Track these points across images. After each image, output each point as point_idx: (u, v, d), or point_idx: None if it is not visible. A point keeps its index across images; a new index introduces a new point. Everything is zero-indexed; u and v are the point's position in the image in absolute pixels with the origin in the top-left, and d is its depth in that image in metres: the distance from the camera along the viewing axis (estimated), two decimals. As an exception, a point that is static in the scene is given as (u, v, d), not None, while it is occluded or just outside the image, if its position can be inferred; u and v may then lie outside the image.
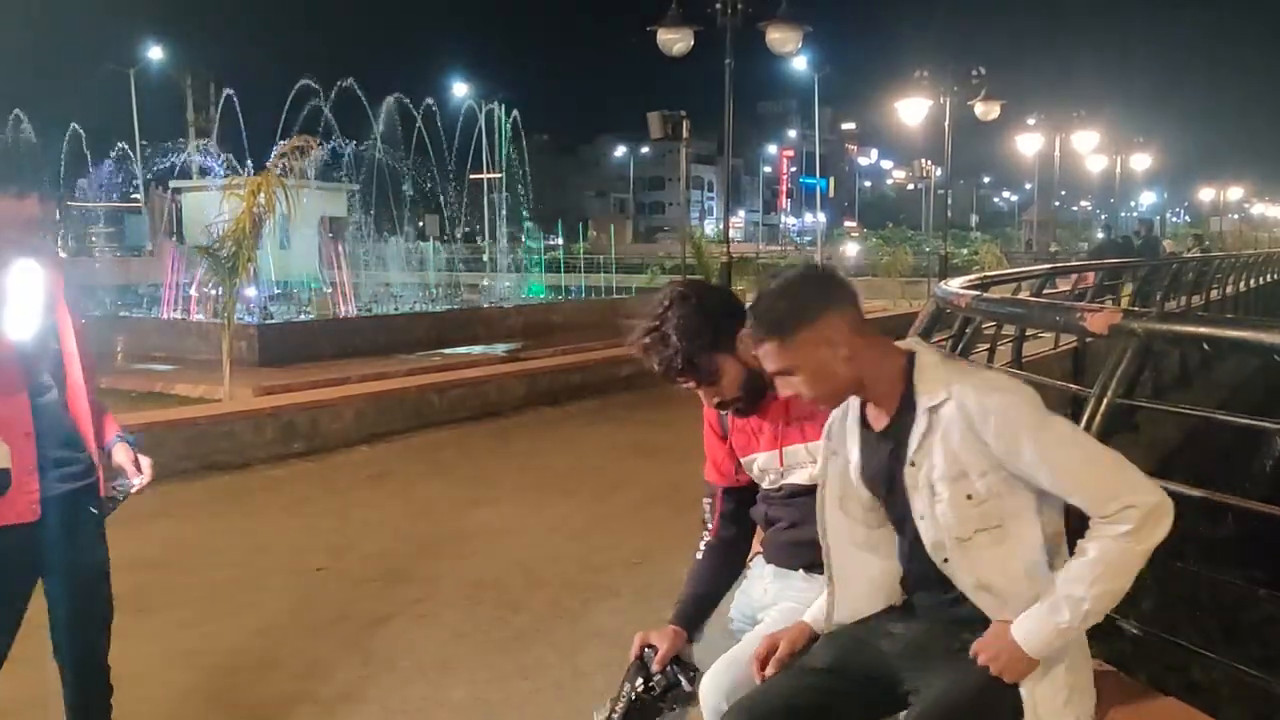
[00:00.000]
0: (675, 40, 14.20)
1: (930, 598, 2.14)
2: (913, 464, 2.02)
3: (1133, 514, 1.88)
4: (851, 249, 45.15)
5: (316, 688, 3.97)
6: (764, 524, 2.63)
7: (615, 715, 2.40)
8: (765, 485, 2.57)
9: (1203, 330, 2.75)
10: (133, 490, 2.79)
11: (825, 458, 2.24)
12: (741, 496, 2.65)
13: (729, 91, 14.04)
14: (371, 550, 5.73)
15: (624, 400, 10.49)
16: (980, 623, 2.04)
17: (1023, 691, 1.99)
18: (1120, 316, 2.81)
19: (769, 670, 2.22)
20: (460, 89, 56.60)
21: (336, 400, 8.96)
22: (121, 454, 2.82)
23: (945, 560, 2.02)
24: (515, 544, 5.85)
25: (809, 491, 2.47)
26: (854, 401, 2.16)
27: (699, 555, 2.68)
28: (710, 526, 2.68)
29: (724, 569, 2.66)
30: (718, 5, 13.59)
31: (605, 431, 9.34)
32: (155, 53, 41.69)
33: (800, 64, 53.04)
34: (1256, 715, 3.50)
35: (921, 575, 2.13)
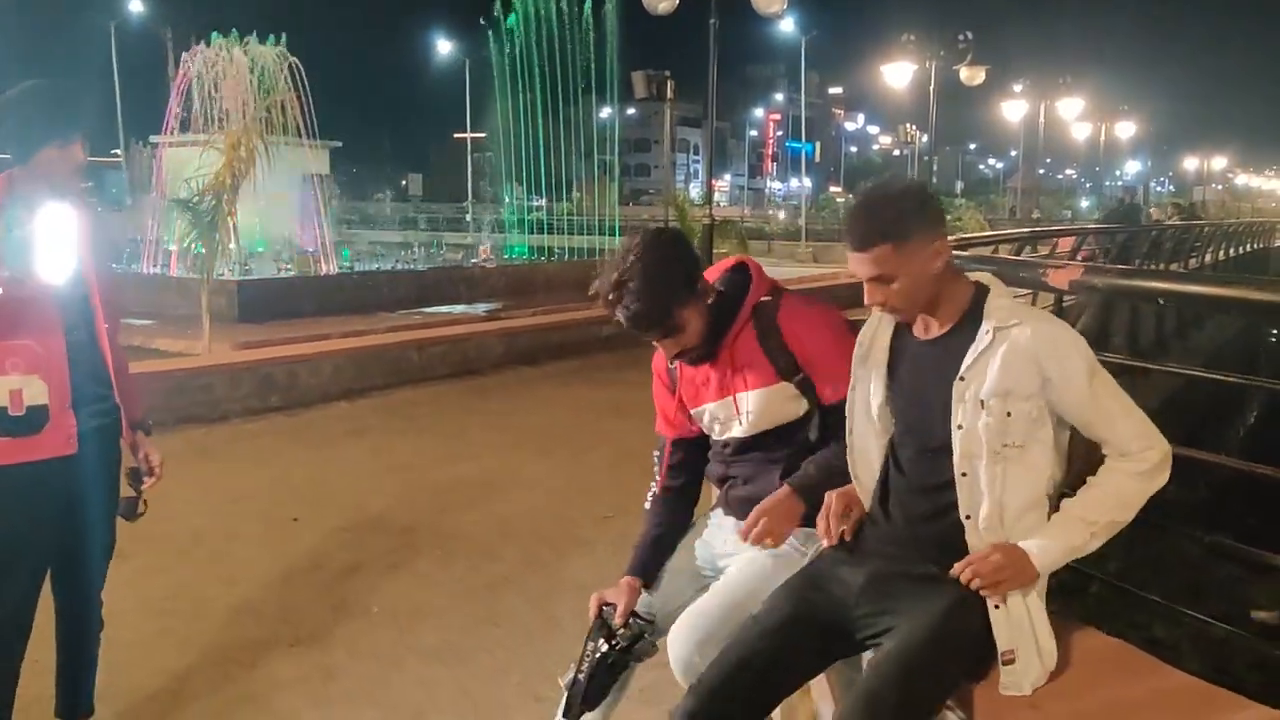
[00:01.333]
0: (660, -1, 14.12)
1: (903, 516, 2.21)
2: (962, 379, 2.10)
3: (1153, 455, 2.08)
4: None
5: (289, 632, 4.01)
6: (718, 483, 2.69)
7: (581, 674, 2.42)
8: (715, 437, 2.62)
9: (1161, 285, 2.79)
10: (145, 489, 2.88)
11: (857, 361, 2.30)
12: (690, 447, 2.71)
13: (713, 52, 13.97)
14: (347, 502, 5.75)
15: (602, 361, 10.51)
16: (941, 550, 2.11)
17: (1013, 606, 2.07)
18: (1082, 272, 2.85)
19: (834, 533, 2.28)
20: (445, 46, 56.12)
21: (314, 355, 8.96)
22: (144, 447, 2.90)
23: (965, 475, 2.10)
24: (491, 498, 5.89)
25: (755, 447, 2.52)
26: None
27: (648, 505, 2.75)
28: (658, 477, 2.74)
29: (673, 517, 2.72)
30: (703, -36, 13.52)
31: (582, 391, 9.36)
32: (136, 5, 41.06)
33: (787, 26, 52.86)
34: (1217, 669, 3.57)
35: (914, 488, 2.19)
